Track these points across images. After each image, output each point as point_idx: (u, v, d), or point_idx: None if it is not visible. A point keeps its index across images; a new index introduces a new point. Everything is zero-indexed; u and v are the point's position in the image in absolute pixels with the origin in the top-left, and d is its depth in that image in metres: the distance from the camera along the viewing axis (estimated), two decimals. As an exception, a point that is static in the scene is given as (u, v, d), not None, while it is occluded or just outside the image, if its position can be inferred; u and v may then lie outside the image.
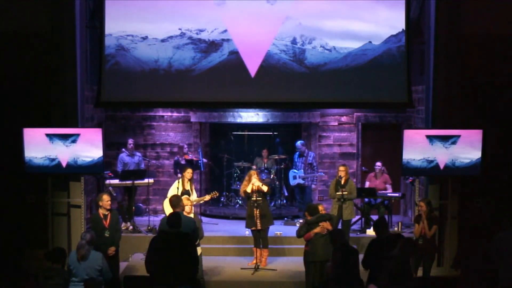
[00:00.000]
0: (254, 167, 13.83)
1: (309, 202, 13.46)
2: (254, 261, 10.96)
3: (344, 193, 11.28)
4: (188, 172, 11.23)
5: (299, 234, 9.62)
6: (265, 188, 10.94)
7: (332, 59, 11.72)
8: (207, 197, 11.38)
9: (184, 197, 10.09)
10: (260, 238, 11.00)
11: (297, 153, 13.51)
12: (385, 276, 7.77)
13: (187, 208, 9.65)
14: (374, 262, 8.25)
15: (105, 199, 9.64)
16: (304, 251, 9.61)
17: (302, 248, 9.99)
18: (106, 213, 9.65)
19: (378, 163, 12.89)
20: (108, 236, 9.53)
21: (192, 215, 9.74)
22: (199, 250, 9.66)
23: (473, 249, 8.77)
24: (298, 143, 13.49)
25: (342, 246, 8.33)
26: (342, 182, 11.46)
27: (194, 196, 11.04)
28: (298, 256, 10.85)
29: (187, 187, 11.15)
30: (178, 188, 11.15)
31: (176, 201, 9.20)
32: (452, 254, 11.06)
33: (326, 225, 9.38)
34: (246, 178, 11.21)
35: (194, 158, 13.40)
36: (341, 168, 11.60)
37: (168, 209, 11.28)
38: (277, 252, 11.59)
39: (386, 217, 12.62)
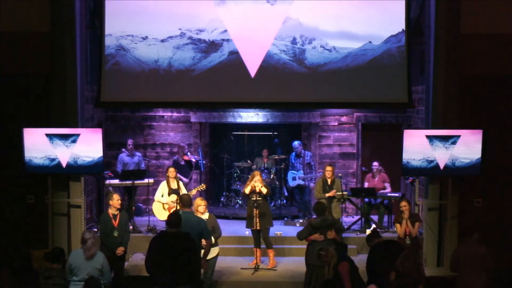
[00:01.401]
0: (254, 167, 13.84)
1: (307, 202, 13.50)
2: (255, 261, 10.95)
3: (344, 193, 11.29)
4: (171, 171, 11.35)
5: (300, 237, 9.54)
6: (264, 190, 10.89)
7: (332, 59, 11.72)
8: (194, 191, 11.37)
9: (199, 197, 10.09)
10: (262, 239, 10.98)
11: (294, 154, 13.49)
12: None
13: (201, 208, 9.63)
14: (375, 266, 8.35)
15: (115, 199, 9.63)
16: (306, 251, 9.57)
17: (302, 248, 10.00)
18: (116, 213, 9.64)
19: (375, 163, 12.90)
20: (117, 236, 9.53)
21: (207, 214, 9.72)
22: (216, 250, 9.64)
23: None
24: (296, 143, 13.47)
25: (345, 254, 8.38)
26: (329, 182, 11.53)
27: (182, 192, 11.06)
28: (298, 256, 10.88)
29: (174, 186, 11.18)
30: (164, 189, 11.20)
31: (187, 201, 9.06)
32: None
33: (331, 234, 9.23)
34: (250, 178, 11.19)
35: (193, 159, 13.40)
36: (329, 168, 11.69)
37: (158, 212, 11.33)
38: (277, 252, 11.56)
39: (386, 217, 12.67)
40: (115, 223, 9.57)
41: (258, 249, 10.98)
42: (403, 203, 10.18)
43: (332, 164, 12.50)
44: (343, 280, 8.14)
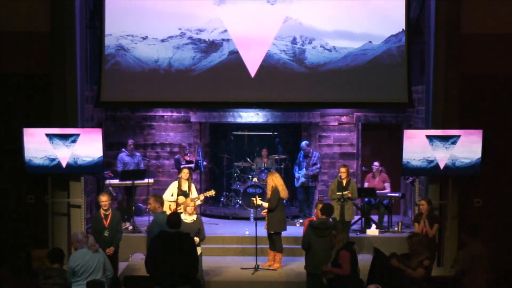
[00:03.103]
0: (254, 167, 13.83)
1: (310, 202, 13.49)
2: (267, 263, 10.95)
3: (344, 193, 11.18)
4: (185, 173, 11.16)
5: (304, 247, 9.34)
6: (265, 205, 10.81)
7: (332, 59, 11.72)
8: (202, 197, 11.27)
9: (190, 198, 10.12)
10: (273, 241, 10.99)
11: (302, 152, 13.43)
12: None
13: (189, 209, 9.65)
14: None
15: (101, 200, 9.71)
16: (305, 259, 9.41)
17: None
18: (107, 213, 9.68)
19: (376, 163, 12.89)
20: (107, 235, 9.56)
21: (195, 216, 9.73)
22: (199, 250, 9.67)
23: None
24: (303, 143, 13.42)
25: (348, 246, 8.36)
26: (344, 183, 11.31)
27: (193, 196, 11.00)
28: (299, 256, 10.87)
29: (184, 187, 11.09)
30: (174, 189, 11.11)
31: (161, 200, 9.46)
32: (452, 254, 11.06)
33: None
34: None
35: (193, 160, 13.39)
36: (342, 169, 11.40)
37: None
38: (277, 252, 11.58)
39: (386, 217, 12.65)
40: (106, 223, 9.62)
41: (269, 251, 10.97)
42: (422, 202, 10.08)
43: (346, 164, 12.12)
44: (342, 263, 8.17)
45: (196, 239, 9.53)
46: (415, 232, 9.70)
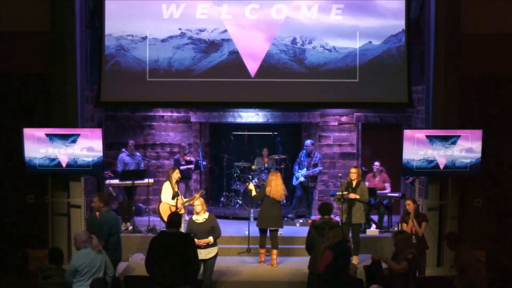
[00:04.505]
0: (254, 167, 13.82)
1: (310, 202, 13.48)
2: (260, 260, 11.05)
3: (344, 193, 11.09)
4: (177, 173, 11.13)
5: (308, 247, 9.38)
6: (253, 193, 11.17)
7: (332, 59, 11.72)
8: (197, 196, 11.21)
9: (193, 198, 10.09)
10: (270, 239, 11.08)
11: (305, 151, 13.38)
12: None
13: (197, 208, 9.63)
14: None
15: (93, 201, 9.74)
16: (310, 259, 9.38)
17: (302, 247, 9.97)
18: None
19: (376, 163, 12.88)
20: None
21: (207, 214, 9.70)
22: (215, 250, 9.64)
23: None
24: (308, 142, 13.34)
25: (340, 248, 8.33)
26: (354, 184, 11.06)
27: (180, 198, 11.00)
28: (300, 256, 10.91)
29: (176, 188, 11.05)
30: (170, 191, 11.07)
31: (107, 200, 9.63)
32: (452, 254, 11.04)
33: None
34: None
35: (193, 159, 13.38)
36: (353, 170, 11.15)
37: (166, 214, 11.18)
38: (279, 252, 11.55)
39: (386, 217, 12.64)
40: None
41: (261, 249, 11.05)
42: (408, 202, 10.11)
43: (357, 166, 11.98)
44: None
45: (210, 238, 9.50)
46: (401, 229, 9.72)
